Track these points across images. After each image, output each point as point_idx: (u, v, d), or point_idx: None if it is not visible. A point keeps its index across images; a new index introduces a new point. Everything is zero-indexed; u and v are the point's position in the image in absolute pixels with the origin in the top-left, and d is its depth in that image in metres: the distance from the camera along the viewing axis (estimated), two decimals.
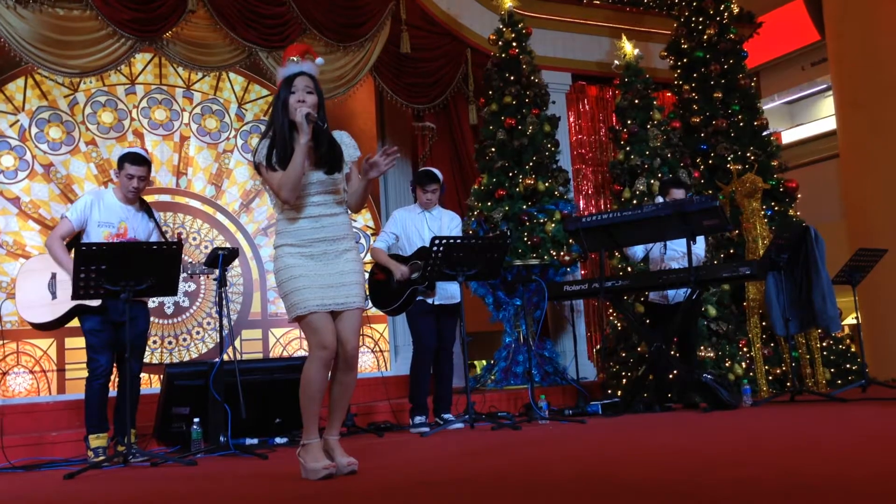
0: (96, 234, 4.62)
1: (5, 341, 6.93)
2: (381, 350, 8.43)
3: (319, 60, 3.37)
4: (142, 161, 4.73)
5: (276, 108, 3.30)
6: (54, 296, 4.59)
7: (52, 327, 4.70)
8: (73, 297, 4.24)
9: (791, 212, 7.77)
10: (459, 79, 8.27)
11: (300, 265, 3.22)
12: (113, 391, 4.73)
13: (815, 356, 6.88)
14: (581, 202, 8.92)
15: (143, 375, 4.91)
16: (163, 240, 4.79)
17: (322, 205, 3.27)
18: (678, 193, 5.92)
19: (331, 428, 3.32)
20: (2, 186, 7.20)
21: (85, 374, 4.63)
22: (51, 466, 4.46)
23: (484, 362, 8.15)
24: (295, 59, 3.31)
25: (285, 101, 3.24)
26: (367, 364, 8.31)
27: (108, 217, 4.67)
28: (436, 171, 5.69)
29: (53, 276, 4.62)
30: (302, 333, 8.08)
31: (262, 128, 8.33)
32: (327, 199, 3.29)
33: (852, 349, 7.42)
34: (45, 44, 6.55)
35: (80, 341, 4.77)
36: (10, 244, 7.14)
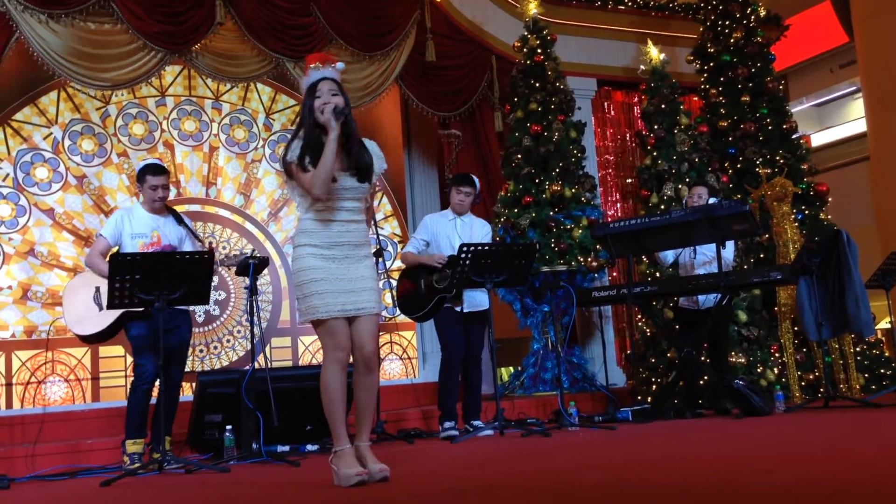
0: (131, 247, 4.76)
1: (41, 350, 7.05)
2: (410, 357, 8.45)
3: (340, 65, 3.43)
4: (161, 171, 4.91)
5: (303, 115, 3.37)
6: (101, 307, 4.70)
7: (103, 338, 4.80)
8: (108, 307, 4.33)
9: (822, 215, 7.69)
10: (485, 86, 8.28)
11: (322, 268, 3.26)
12: (153, 398, 4.80)
13: (849, 361, 6.79)
14: (608, 208, 8.89)
15: (181, 384, 4.96)
16: (196, 241, 4.94)
17: (351, 210, 3.35)
18: (702, 192, 5.91)
19: (360, 434, 3.34)
20: (36, 198, 7.32)
21: (119, 381, 4.70)
22: (87, 474, 4.53)
23: (511, 369, 8.14)
24: (316, 66, 3.35)
25: (311, 106, 3.31)
26: (395, 371, 8.34)
27: (140, 228, 4.80)
28: (473, 176, 5.71)
29: (97, 289, 4.74)
30: None
31: (289, 137, 8.40)
32: (356, 205, 3.37)
33: (886, 354, 7.31)
34: (77, 57, 6.66)
35: (115, 350, 4.84)
36: (44, 255, 7.26)
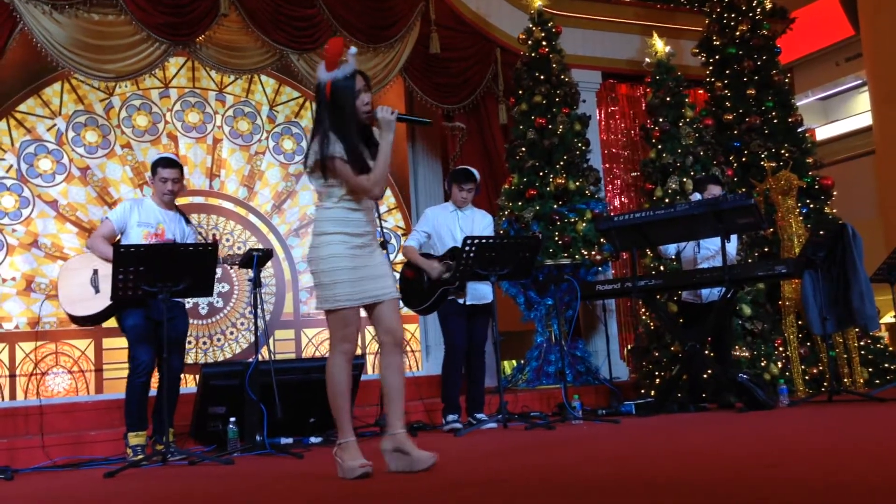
0: (136, 234, 4.78)
1: (44, 341, 7.06)
2: (413, 350, 8.45)
3: (353, 50, 3.38)
4: (174, 164, 4.92)
5: (340, 108, 3.28)
6: (97, 290, 4.70)
7: (96, 321, 4.80)
8: (112, 299, 4.33)
9: (827, 209, 7.67)
10: (489, 78, 8.26)
11: (349, 256, 3.26)
12: (153, 390, 4.81)
13: (853, 355, 6.78)
14: (612, 201, 8.87)
15: (181, 375, 4.97)
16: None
17: (371, 201, 3.38)
18: (716, 190, 5.88)
19: (396, 421, 3.30)
20: (40, 190, 7.32)
21: (122, 373, 4.71)
22: (90, 465, 4.54)
23: (515, 362, 8.14)
24: (345, 58, 3.32)
25: (350, 102, 3.27)
26: None
27: (146, 218, 4.85)
28: (473, 170, 5.70)
29: (95, 271, 4.73)
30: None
31: (294, 129, 8.39)
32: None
33: (890, 348, 7.30)
34: (81, 48, 6.65)
35: (118, 341, 4.86)
36: (48, 246, 7.26)
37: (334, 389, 3.28)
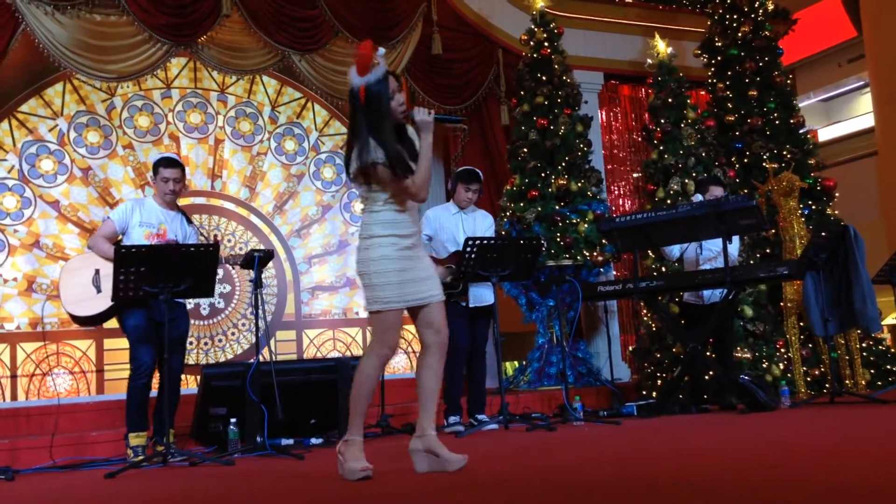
0: (137, 234, 4.78)
1: (46, 342, 7.06)
2: (415, 351, 8.44)
3: (381, 51, 3.40)
4: (175, 164, 4.93)
5: (378, 110, 3.26)
6: (99, 290, 4.70)
7: (98, 321, 4.81)
8: (113, 299, 4.33)
9: (829, 210, 7.66)
10: (491, 79, 8.26)
11: (398, 258, 3.25)
12: (154, 391, 4.81)
13: (855, 357, 6.77)
14: (614, 202, 8.87)
15: (181, 376, 4.97)
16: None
17: (413, 203, 3.38)
18: (718, 191, 5.87)
19: (430, 422, 3.29)
20: (42, 190, 7.33)
21: (123, 374, 4.71)
22: (91, 466, 4.54)
23: (516, 363, 8.14)
24: (377, 61, 3.32)
25: (385, 104, 3.27)
26: (400, 365, 8.34)
27: (148, 218, 4.86)
28: (478, 170, 5.70)
29: (97, 271, 4.73)
30: (334, 331, 8.12)
31: (296, 130, 8.39)
32: None
33: (892, 350, 7.29)
34: (83, 49, 6.65)
35: (120, 342, 4.85)
36: (49, 247, 7.26)
37: (359, 389, 3.25)
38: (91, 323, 4.86)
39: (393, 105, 3.29)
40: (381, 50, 3.37)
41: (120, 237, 4.84)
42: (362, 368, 3.27)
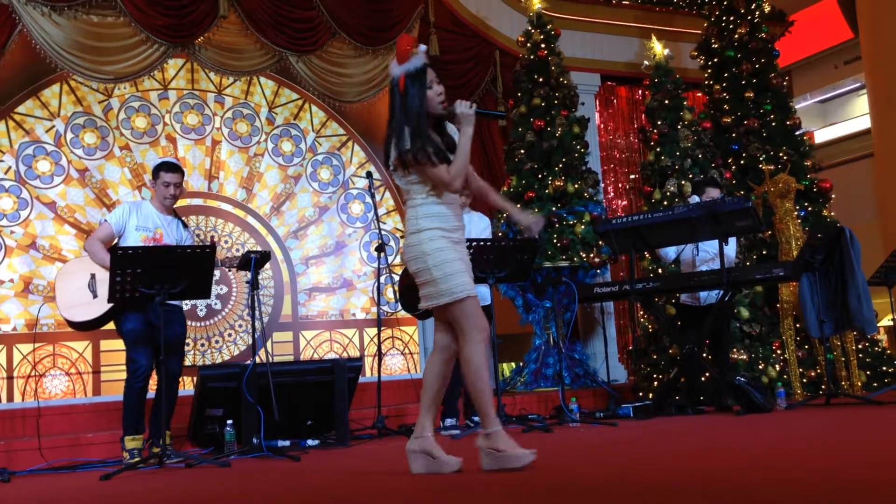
0: (134, 238, 4.77)
1: (42, 343, 7.05)
2: (411, 352, 8.45)
3: (423, 47, 3.42)
4: (176, 168, 4.93)
5: (411, 102, 3.28)
6: (95, 294, 4.69)
7: (94, 326, 4.79)
8: (110, 300, 4.33)
9: (825, 212, 7.67)
10: (488, 81, 8.27)
11: (453, 249, 3.26)
12: (151, 393, 4.80)
13: (851, 358, 6.78)
14: (611, 204, 8.88)
15: (180, 378, 4.96)
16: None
17: (456, 194, 3.37)
18: (714, 193, 5.88)
19: (430, 424, 3.28)
20: (38, 191, 7.32)
21: (120, 375, 4.70)
22: (87, 467, 4.53)
23: (513, 365, 8.14)
24: (414, 51, 3.34)
25: (421, 95, 3.28)
26: (396, 366, 8.34)
27: (145, 222, 4.84)
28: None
29: (93, 276, 4.72)
30: (334, 333, 8.12)
31: (293, 131, 8.38)
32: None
33: (888, 351, 7.30)
34: (79, 50, 6.65)
35: (116, 343, 4.85)
36: (46, 248, 7.25)
37: (481, 377, 3.17)
38: (87, 328, 4.84)
39: (430, 94, 3.30)
40: (423, 46, 3.41)
41: (116, 240, 4.82)
42: (473, 359, 3.18)
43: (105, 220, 4.88)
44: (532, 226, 3.64)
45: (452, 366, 3.35)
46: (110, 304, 4.60)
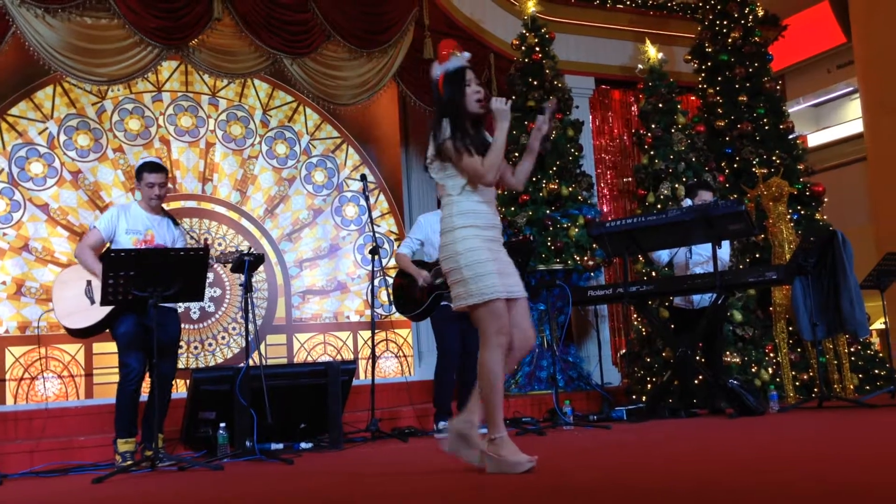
0: (125, 242, 4.73)
1: (35, 346, 7.03)
2: (405, 355, 8.44)
3: (466, 55, 3.49)
4: (159, 168, 4.87)
5: (452, 101, 3.35)
6: (92, 301, 4.66)
7: (93, 332, 4.75)
8: (102, 304, 4.31)
9: (818, 216, 7.70)
10: (483, 84, 8.26)
11: (487, 248, 3.24)
12: (144, 396, 4.78)
13: (843, 361, 6.80)
14: (605, 207, 8.89)
15: (173, 381, 4.94)
16: (190, 245, 4.88)
17: (491, 191, 3.38)
18: (707, 196, 5.89)
19: (478, 414, 3.27)
20: (31, 193, 7.30)
21: (112, 378, 4.69)
22: (79, 471, 4.52)
23: None
24: (454, 52, 3.39)
25: (460, 93, 3.35)
26: (390, 369, 8.33)
27: (135, 225, 4.78)
28: None
29: (89, 283, 4.70)
30: (343, 334, 8.11)
31: (287, 134, 8.38)
32: (495, 191, 3.43)
33: (881, 354, 7.32)
34: (73, 52, 6.63)
35: (108, 346, 4.82)
36: (38, 250, 7.23)
37: (492, 384, 3.17)
38: (87, 335, 4.81)
39: (468, 92, 3.35)
40: (466, 54, 3.49)
41: (108, 245, 4.79)
42: (487, 365, 3.18)
43: (94, 227, 4.82)
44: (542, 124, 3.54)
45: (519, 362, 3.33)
46: (109, 309, 4.59)
